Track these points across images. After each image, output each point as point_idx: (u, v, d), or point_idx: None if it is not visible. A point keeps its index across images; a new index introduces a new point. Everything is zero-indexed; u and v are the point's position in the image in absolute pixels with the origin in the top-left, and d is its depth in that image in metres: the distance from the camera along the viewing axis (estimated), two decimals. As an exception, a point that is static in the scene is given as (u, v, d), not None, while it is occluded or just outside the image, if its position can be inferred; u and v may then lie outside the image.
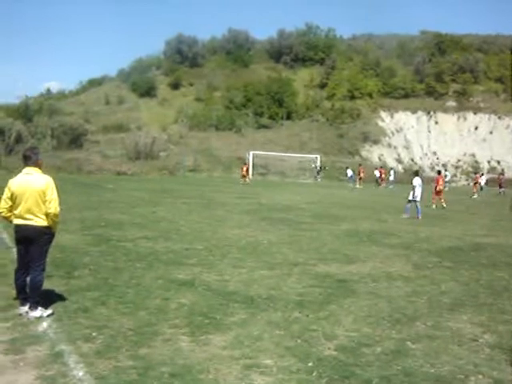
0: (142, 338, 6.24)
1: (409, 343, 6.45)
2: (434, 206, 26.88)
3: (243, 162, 51.11)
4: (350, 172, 53.72)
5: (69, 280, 8.78)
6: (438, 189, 27.20)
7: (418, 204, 21.63)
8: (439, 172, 30.70)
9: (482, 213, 25.94)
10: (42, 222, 6.96)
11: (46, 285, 8.34)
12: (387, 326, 7.08)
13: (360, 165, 53.75)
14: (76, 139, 58.15)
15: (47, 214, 6.96)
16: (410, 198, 21.83)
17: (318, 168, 58.62)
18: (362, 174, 50.34)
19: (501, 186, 46.37)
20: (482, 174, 53.50)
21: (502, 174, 52.87)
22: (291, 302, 7.96)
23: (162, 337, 6.31)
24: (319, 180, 56.01)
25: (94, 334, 6.35)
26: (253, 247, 12.68)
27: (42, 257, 7.09)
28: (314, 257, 11.74)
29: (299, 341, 6.35)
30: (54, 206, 6.97)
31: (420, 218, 21.01)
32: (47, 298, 7.56)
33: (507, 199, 36.87)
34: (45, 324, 6.69)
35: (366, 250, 13.09)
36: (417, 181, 21.91)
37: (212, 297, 8.06)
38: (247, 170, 48.44)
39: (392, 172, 54.89)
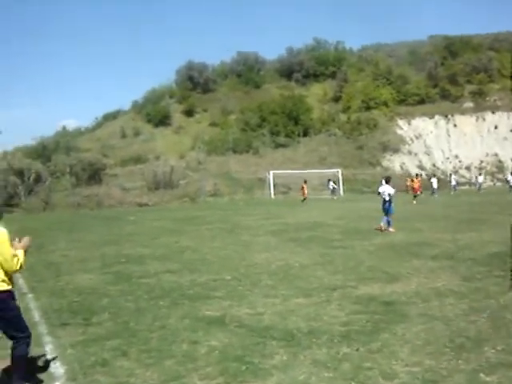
0: (169, 395, 5.34)
1: (482, 375, 5.46)
2: None
3: (303, 180, 45.86)
4: (331, 184, 52.81)
5: (86, 328, 7.88)
6: None
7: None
8: None
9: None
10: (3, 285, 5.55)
11: (62, 335, 7.55)
12: (451, 354, 6.08)
13: (417, 175, 47.25)
14: (94, 174, 57.93)
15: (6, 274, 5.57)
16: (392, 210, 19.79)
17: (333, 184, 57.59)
18: (415, 185, 40.37)
19: None
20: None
21: None
22: (336, 334, 7.00)
23: (193, 391, 5.40)
24: (336, 196, 54.27)
25: (114, 393, 5.46)
26: (284, 272, 11.72)
27: (16, 325, 5.67)
28: (352, 277, 10.76)
29: (353, 383, 5.39)
30: (10, 265, 5.49)
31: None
32: (62, 351, 6.74)
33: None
34: (58, 385, 5.82)
35: (406, 264, 12.08)
36: (389, 189, 19.94)
37: (246, 335, 7.11)
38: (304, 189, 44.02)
39: (435, 180, 53.13)
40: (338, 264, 12.48)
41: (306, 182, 45.13)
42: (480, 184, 55.65)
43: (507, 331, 6.86)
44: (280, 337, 6.96)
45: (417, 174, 48.64)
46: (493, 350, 6.16)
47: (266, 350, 6.47)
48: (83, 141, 74.02)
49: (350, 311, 8.14)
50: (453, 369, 5.65)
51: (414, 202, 36.44)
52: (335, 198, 50.61)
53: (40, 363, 6.47)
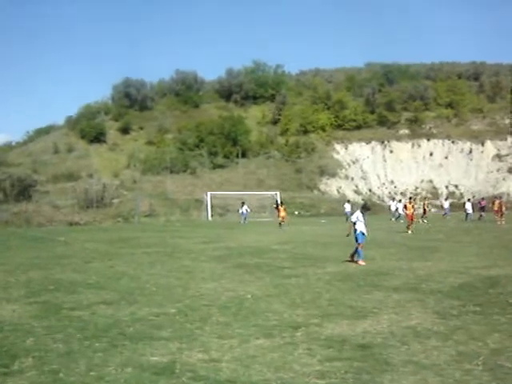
0: None
1: None
2: None
3: (275, 202, 42.01)
4: (245, 208, 48.87)
5: (5, 378, 6.33)
6: None
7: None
8: None
9: (464, 241, 24.27)
10: None
11: (-27, 388, 6.04)
12: (462, 420, 4.98)
13: (410, 200, 36.80)
14: (24, 191, 55.32)
15: None
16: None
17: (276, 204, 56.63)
18: (408, 211, 32.16)
19: (482, 210, 45.49)
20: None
21: (483, 199, 50.92)
22: (315, 389, 5.79)
23: None
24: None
25: None
26: (236, 305, 10.41)
27: None
28: (315, 313, 9.58)
29: None
30: None
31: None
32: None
33: (483, 224, 35.66)
34: None
35: (369, 297, 11.00)
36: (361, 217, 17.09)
37: (204, 391, 5.80)
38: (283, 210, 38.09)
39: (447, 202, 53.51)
40: (294, 296, 11.28)
41: (282, 203, 40.66)
42: (447, 209, 51.02)
43: (514, 385, 5.81)
44: (247, 394, 5.69)
45: (410, 198, 40.00)
46: (509, 413, 5.09)
47: (233, 415, 5.18)
48: (13, 155, 71.17)
49: (322, 357, 6.92)
50: None
51: (409, 231, 29.93)
52: (242, 222, 47.76)
53: None
